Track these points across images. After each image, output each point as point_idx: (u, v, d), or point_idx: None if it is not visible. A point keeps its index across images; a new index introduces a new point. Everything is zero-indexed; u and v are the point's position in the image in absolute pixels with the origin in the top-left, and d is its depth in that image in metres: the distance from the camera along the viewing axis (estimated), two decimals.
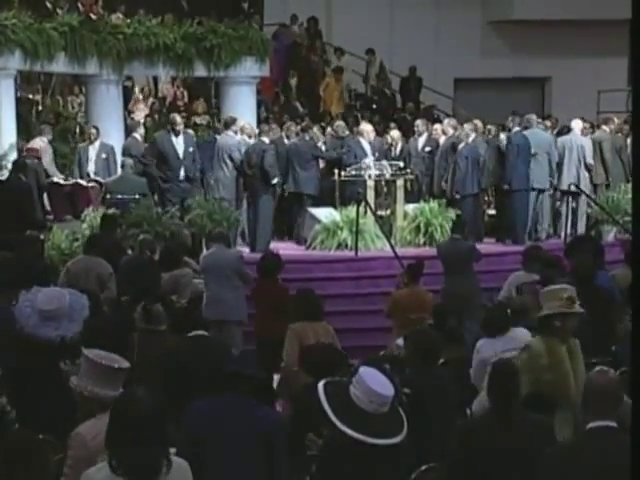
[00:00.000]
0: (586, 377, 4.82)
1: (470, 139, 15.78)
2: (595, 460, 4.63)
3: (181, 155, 15.03)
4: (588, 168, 16.12)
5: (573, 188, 15.86)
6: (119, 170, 15.04)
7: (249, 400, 5.52)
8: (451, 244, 12.58)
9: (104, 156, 15.47)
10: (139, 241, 12.06)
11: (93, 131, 15.66)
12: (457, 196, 15.51)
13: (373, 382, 5.05)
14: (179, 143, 15.11)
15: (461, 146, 15.78)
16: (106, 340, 6.20)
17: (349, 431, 4.93)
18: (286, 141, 16.28)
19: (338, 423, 4.95)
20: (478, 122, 16.58)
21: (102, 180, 14.96)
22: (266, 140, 15.07)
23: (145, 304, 8.96)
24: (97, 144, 15.56)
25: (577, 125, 16.36)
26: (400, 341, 9.06)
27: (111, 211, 13.48)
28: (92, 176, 15.22)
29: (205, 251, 13.83)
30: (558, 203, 16.26)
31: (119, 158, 15.47)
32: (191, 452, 5.09)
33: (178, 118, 15.77)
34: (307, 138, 16.23)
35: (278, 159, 15.31)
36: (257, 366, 5.70)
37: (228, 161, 15.12)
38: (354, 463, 5.01)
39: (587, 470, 4.64)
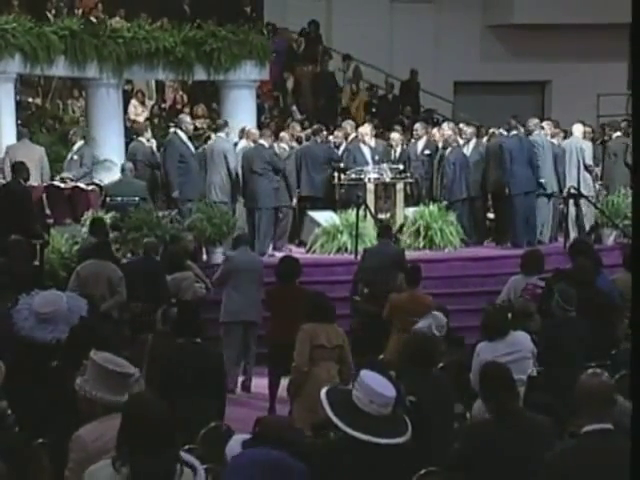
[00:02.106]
0: (579, 380, 4.81)
1: (457, 144, 15.85)
2: (593, 463, 4.63)
3: (194, 155, 15.14)
4: (589, 170, 16.15)
5: (573, 191, 15.89)
6: (82, 171, 15.06)
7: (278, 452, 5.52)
8: (378, 248, 12.49)
9: (75, 158, 15.38)
10: (144, 244, 12.10)
11: (74, 134, 15.62)
12: (444, 202, 15.47)
13: (374, 383, 5.09)
14: (189, 143, 15.16)
15: (448, 151, 15.80)
16: (93, 342, 6.22)
17: (350, 430, 4.94)
18: (294, 144, 16.27)
19: (340, 423, 4.97)
20: (465, 127, 16.55)
21: (101, 183, 14.98)
22: (265, 144, 15.05)
23: (164, 309, 9.10)
24: (75, 147, 15.49)
25: (578, 129, 16.42)
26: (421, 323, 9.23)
27: (111, 214, 13.51)
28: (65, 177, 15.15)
29: (206, 255, 13.91)
30: (562, 207, 16.23)
31: (119, 161, 15.47)
32: None
33: (188, 118, 15.86)
34: (319, 141, 16.24)
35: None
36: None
37: (225, 164, 15.13)
38: (356, 464, 5.01)
39: (585, 473, 4.64)
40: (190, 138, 15.44)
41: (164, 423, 4.44)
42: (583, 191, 15.86)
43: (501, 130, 16.25)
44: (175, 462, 4.37)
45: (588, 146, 16.27)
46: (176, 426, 4.50)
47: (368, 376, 5.17)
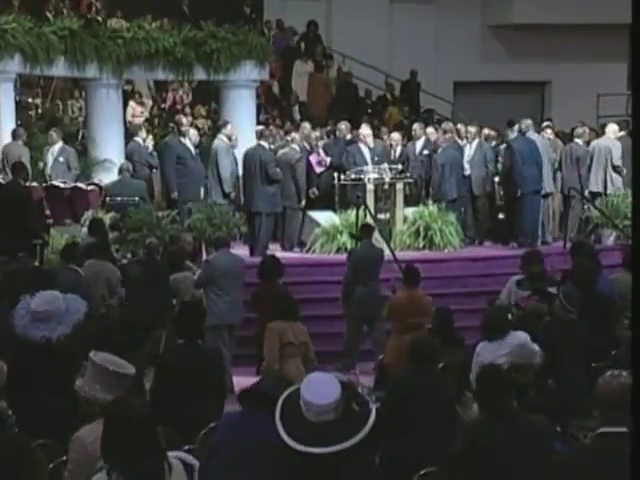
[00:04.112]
0: (599, 381, 4.76)
1: (444, 144, 15.88)
2: (604, 465, 4.59)
3: (195, 156, 15.18)
4: (617, 171, 16.07)
5: (573, 192, 15.90)
6: (72, 173, 15.14)
7: (264, 417, 5.50)
8: (364, 249, 12.49)
9: (61, 160, 15.39)
10: (147, 244, 12.10)
11: (52, 134, 15.62)
12: (434, 202, 15.46)
13: (309, 391, 4.85)
14: (189, 145, 15.18)
15: (438, 152, 15.83)
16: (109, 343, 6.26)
17: (285, 436, 4.80)
18: (305, 144, 16.19)
19: (279, 427, 4.83)
20: (469, 128, 16.55)
21: (101, 183, 15.01)
22: (265, 145, 15.03)
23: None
24: (56, 148, 15.48)
25: (611, 129, 16.39)
26: None
27: (111, 214, 13.53)
28: (47, 179, 15.12)
29: (206, 255, 13.89)
30: (586, 207, 16.17)
31: (119, 162, 15.49)
32: (206, 463, 5.09)
33: (184, 120, 15.90)
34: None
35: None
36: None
37: (216, 164, 15.15)
38: (301, 471, 4.88)
39: (595, 476, 4.61)
40: (201, 138, 15.54)
41: (144, 423, 4.40)
42: (609, 192, 15.87)
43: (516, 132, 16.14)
44: (162, 460, 4.35)
45: (617, 146, 16.08)
46: (156, 424, 4.47)
47: (309, 381, 4.93)
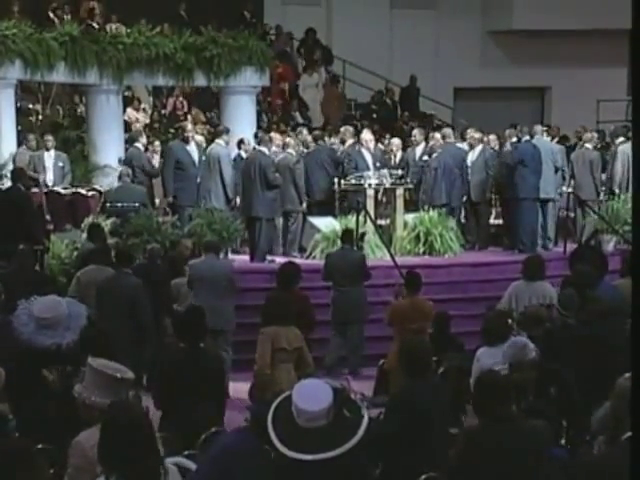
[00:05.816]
0: (621, 386, 4.75)
1: (439, 150, 15.89)
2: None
3: (196, 163, 15.21)
4: None
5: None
6: (68, 178, 15.19)
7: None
8: (340, 254, 12.59)
9: (61, 164, 15.42)
10: (149, 250, 12.11)
11: (50, 138, 15.63)
12: (425, 207, 15.47)
13: (299, 397, 4.83)
14: (192, 151, 15.20)
15: (433, 157, 15.84)
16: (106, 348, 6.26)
17: (276, 441, 4.78)
18: (302, 149, 16.18)
19: (271, 433, 4.81)
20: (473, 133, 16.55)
21: (101, 189, 15.03)
22: (265, 150, 15.03)
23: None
24: (52, 153, 15.50)
25: None
26: None
27: (111, 220, 13.53)
28: (49, 184, 15.13)
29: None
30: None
31: (117, 167, 15.50)
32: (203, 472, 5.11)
33: (189, 126, 15.91)
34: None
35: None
36: None
37: (219, 171, 15.16)
38: (293, 477, 4.87)
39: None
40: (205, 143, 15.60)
41: (140, 426, 4.41)
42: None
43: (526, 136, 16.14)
44: (158, 464, 4.35)
45: None
46: (153, 427, 4.47)
47: (300, 388, 4.91)
